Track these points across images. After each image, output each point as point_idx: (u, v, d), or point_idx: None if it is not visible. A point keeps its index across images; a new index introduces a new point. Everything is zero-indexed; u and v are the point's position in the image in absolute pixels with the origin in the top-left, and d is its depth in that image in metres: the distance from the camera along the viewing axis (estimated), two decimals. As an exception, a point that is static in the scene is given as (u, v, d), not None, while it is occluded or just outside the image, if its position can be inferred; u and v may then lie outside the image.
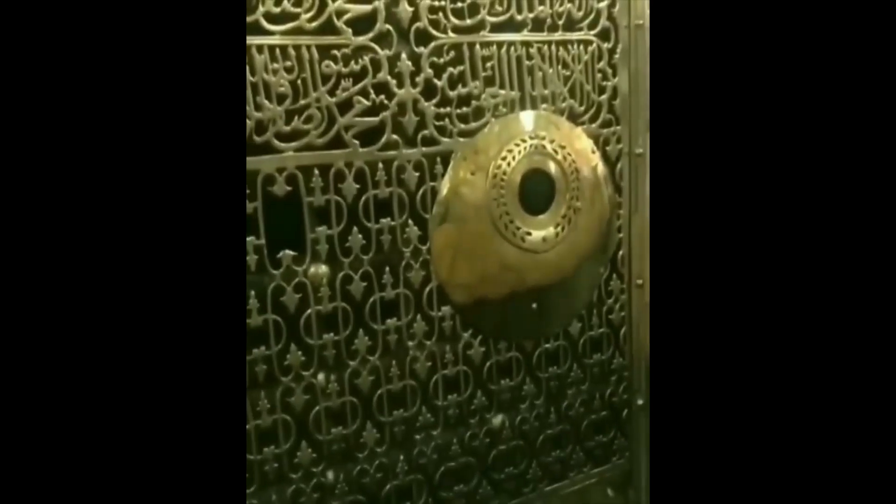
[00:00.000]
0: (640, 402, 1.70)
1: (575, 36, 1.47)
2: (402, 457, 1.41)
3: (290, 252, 1.25)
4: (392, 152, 1.31)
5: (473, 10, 1.34)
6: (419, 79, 1.31)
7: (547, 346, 1.56)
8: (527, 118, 1.44)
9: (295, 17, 1.19)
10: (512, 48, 1.40)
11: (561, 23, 1.45)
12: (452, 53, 1.34)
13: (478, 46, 1.36)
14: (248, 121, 1.17)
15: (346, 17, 1.22)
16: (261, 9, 1.16)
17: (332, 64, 1.22)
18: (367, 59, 1.25)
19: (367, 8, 1.24)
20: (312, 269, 1.27)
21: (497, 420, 1.52)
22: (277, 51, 1.18)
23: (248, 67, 1.16)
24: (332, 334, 1.30)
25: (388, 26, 1.26)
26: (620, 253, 1.62)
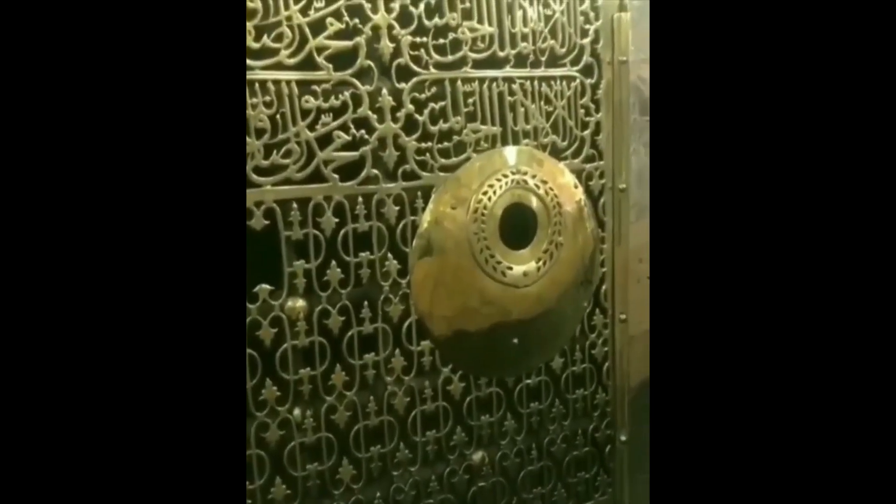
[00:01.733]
0: (623, 437, 1.68)
1: (558, 72, 1.48)
2: (378, 493, 1.39)
3: (266, 286, 1.24)
4: (372, 186, 1.31)
5: (455, 46, 1.35)
6: (400, 114, 1.31)
7: (528, 381, 1.55)
8: (509, 153, 1.44)
9: (275, 52, 1.19)
10: (494, 84, 1.41)
11: (544, 59, 1.46)
12: (434, 89, 1.34)
13: (459, 82, 1.37)
14: (226, 155, 1.17)
15: (326, 52, 1.23)
16: (241, 44, 1.16)
17: (311, 99, 1.23)
18: (347, 94, 1.26)
19: (347, 44, 1.25)
20: (289, 303, 1.26)
21: (477, 456, 1.50)
22: (257, 85, 1.18)
23: (226, 102, 1.16)
24: (308, 369, 1.29)
25: (369, 62, 1.27)
26: (604, 287, 1.62)
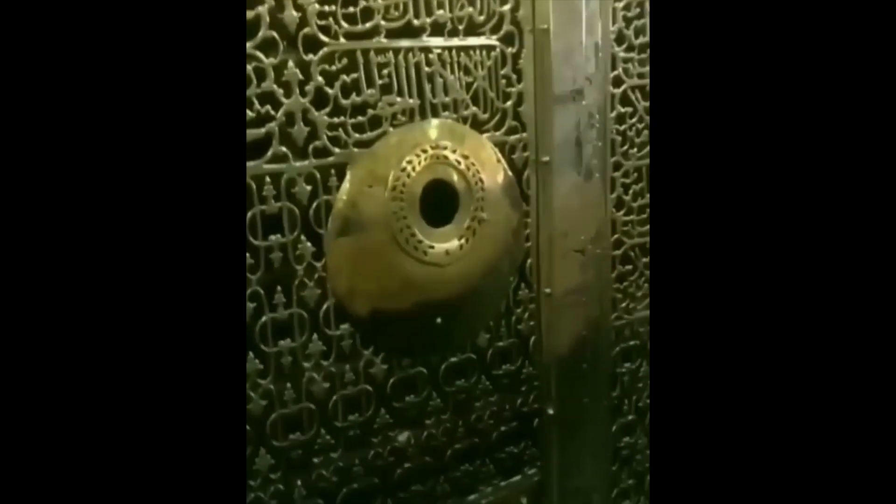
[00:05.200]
0: (550, 411, 1.68)
1: (477, 41, 1.42)
2: (299, 482, 1.35)
3: (169, 274, 1.17)
4: (281, 165, 1.24)
5: (367, 14, 1.28)
6: (309, 87, 1.24)
7: (453, 359, 1.52)
8: (428, 127, 1.39)
9: (167, 22, 1.10)
10: (410, 54, 1.34)
11: (462, 28, 1.40)
12: (345, 60, 1.27)
13: (372, 53, 1.30)
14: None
15: (224, 22, 1.14)
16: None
17: (210, 73, 1.14)
18: (249, 67, 1.18)
19: (248, 14, 1.16)
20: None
21: (402, 437, 1.48)
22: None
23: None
24: (219, 359, 1.23)
25: (272, 33, 1.19)
26: (529, 262, 1.59)
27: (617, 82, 1.60)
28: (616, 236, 1.68)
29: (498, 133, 1.48)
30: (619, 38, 1.58)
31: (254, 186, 1.21)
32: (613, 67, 1.58)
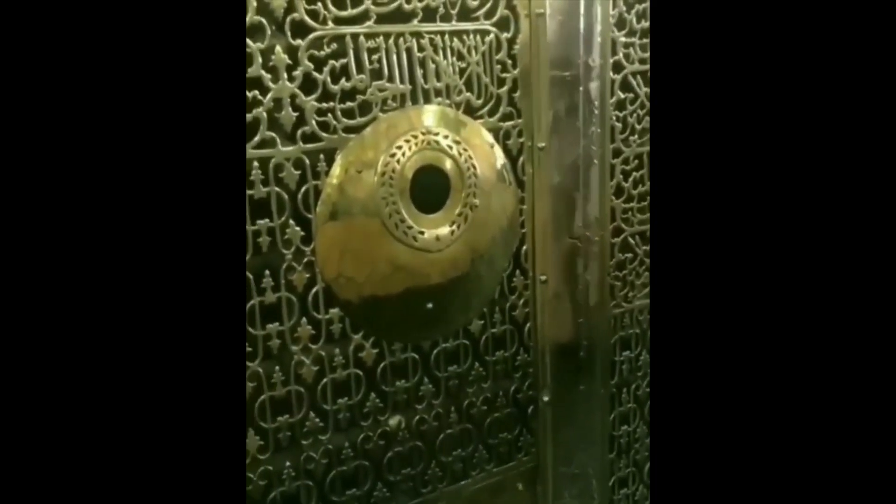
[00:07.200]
0: (545, 398, 1.68)
1: (471, 26, 1.41)
2: (288, 463, 1.38)
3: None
4: (268, 150, 1.24)
5: (356, -1, 1.28)
6: (297, 72, 1.24)
7: (446, 345, 1.53)
8: (419, 112, 1.39)
9: (153, 8, 1.11)
10: (401, 39, 1.34)
11: (455, 12, 1.38)
12: (334, 45, 1.27)
13: (362, 38, 1.29)
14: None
15: (210, 8, 1.15)
16: None
17: (196, 58, 1.15)
18: (236, 52, 1.18)
19: (234, -2, 1.16)
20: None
21: (393, 421, 1.49)
22: (134, 44, 1.11)
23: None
24: (206, 341, 1.25)
25: (259, 18, 1.19)
26: (524, 248, 1.59)
27: (617, 68, 1.57)
28: (615, 224, 1.66)
29: (492, 119, 1.47)
30: (620, 23, 1.55)
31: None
32: (613, 53, 1.56)
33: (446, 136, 1.39)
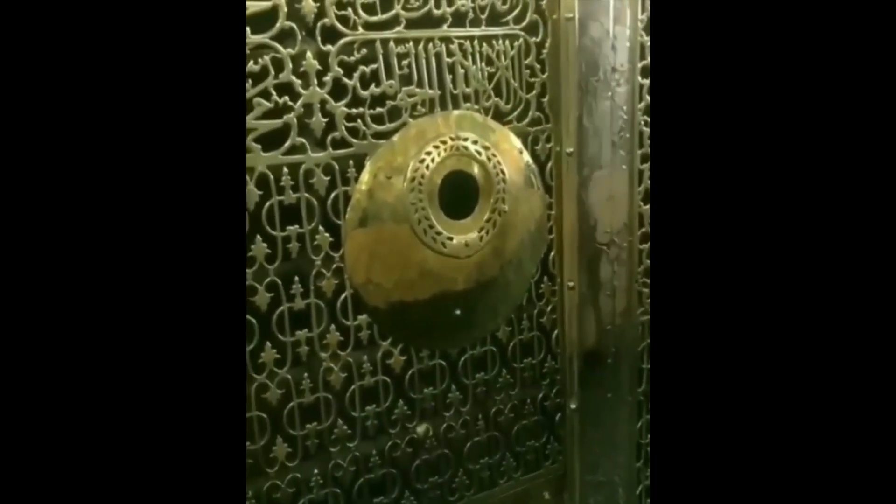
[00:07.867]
0: (573, 405, 1.66)
1: (500, 31, 1.40)
2: (316, 470, 1.37)
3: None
4: (298, 156, 1.24)
5: (386, 5, 1.27)
6: (327, 78, 1.24)
7: (473, 352, 1.51)
8: (448, 118, 1.38)
9: (185, 14, 1.11)
10: (430, 44, 1.33)
11: (484, 17, 1.38)
12: (364, 51, 1.27)
13: (392, 43, 1.29)
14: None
15: (242, 14, 1.15)
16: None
17: (227, 64, 1.15)
18: (267, 58, 1.18)
19: (265, 4, 1.16)
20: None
21: (420, 428, 1.48)
22: (167, 51, 1.11)
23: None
24: (236, 347, 1.24)
25: (290, 23, 1.19)
26: (552, 254, 1.57)
27: (646, 72, 1.56)
28: (643, 230, 1.64)
29: (521, 124, 1.46)
30: (648, 27, 1.54)
31: (271, 177, 1.22)
32: (642, 57, 1.54)
33: (475, 142, 1.38)
